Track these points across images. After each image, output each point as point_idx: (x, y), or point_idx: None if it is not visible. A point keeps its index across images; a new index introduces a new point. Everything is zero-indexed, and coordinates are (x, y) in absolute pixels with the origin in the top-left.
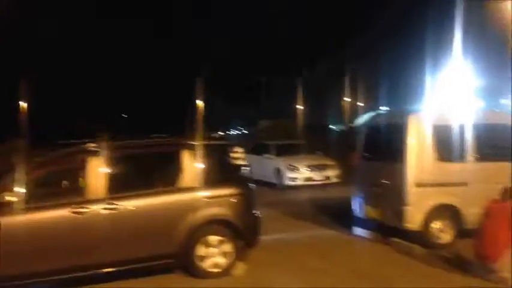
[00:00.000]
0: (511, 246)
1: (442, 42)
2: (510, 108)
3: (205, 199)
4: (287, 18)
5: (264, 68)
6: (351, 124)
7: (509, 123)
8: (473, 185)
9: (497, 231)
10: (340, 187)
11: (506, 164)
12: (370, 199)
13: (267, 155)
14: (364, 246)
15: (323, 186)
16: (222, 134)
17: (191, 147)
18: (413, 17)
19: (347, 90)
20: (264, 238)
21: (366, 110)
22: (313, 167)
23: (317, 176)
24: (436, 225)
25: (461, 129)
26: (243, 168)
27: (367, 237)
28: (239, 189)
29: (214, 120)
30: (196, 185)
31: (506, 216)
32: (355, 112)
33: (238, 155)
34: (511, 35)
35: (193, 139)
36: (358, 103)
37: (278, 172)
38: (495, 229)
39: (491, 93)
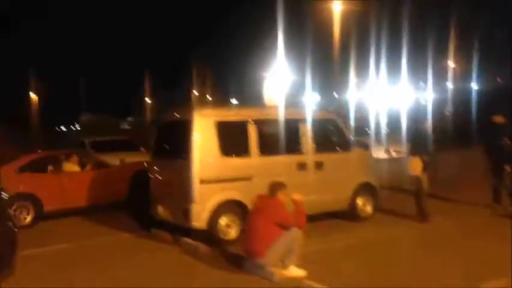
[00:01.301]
0: (276, 241)
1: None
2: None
3: None
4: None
5: (103, 57)
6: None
7: (296, 117)
8: (257, 179)
9: (263, 226)
10: None
11: (290, 157)
12: (161, 198)
13: None
14: (147, 248)
15: None
16: None
17: None
18: (252, 20)
19: (196, 83)
20: (42, 250)
21: (215, 103)
22: None
23: None
24: (223, 221)
25: (245, 125)
26: None
27: (158, 239)
28: None
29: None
30: None
31: (271, 211)
32: (204, 106)
33: None
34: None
35: None
36: (208, 96)
37: None
38: (261, 224)
39: (327, 87)
